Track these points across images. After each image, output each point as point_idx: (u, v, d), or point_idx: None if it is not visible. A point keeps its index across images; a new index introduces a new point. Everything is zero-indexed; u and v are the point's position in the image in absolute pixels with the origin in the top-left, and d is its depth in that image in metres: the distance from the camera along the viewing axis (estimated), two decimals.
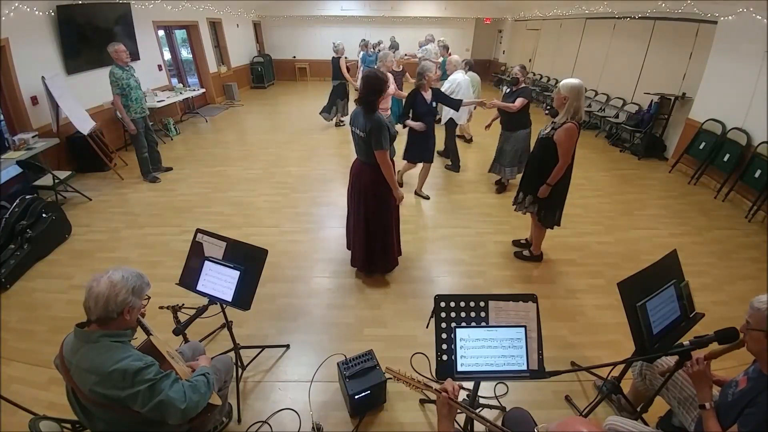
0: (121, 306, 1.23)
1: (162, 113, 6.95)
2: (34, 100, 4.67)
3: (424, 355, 2.40)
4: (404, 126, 4.17)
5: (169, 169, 5.25)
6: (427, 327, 1.57)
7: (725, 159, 4.68)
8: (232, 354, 2.11)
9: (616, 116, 7.05)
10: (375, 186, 2.73)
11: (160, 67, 7.51)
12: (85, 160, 5.10)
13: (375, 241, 2.92)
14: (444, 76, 6.25)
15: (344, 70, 7.32)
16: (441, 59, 7.12)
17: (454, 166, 5.39)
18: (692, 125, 5.31)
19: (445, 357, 1.44)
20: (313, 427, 1.95)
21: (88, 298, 1.22)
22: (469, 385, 1.74)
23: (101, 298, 1.21)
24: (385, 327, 2.66)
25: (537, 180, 2.90)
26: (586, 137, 7.10)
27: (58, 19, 4.91)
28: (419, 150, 4.23)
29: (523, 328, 1.45)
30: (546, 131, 2.81)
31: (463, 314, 1.48)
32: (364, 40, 8.96)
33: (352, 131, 2.70)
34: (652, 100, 6.01)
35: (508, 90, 4.29)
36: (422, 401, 2.12)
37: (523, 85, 4.20)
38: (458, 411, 1.26)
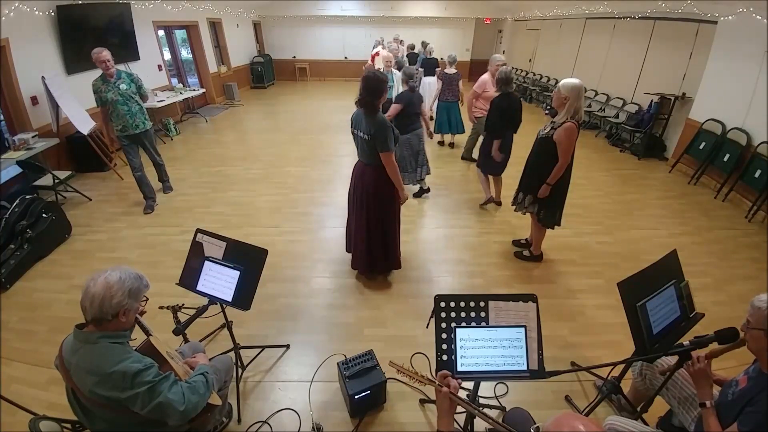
0: (116, 308, 1.22)
1: (162, 113, 6.95)
2: (34, 100, 4.67)
3: (424, 355, 2.40)
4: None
5: (152, 201, 4.29)
6: (427, 327, 1.57)
7: (725, 159, 4.68)
8: (232, 354, 2.11)
9: (616, 116, 7.05)
10: (378, 188, 2.72)
11: (160, 67, 7.51)
12: (85, 160, 5.11)
13: (377, 243, 2.91)
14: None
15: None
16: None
17: None
18: (692, 125, 5.31)
19: (445, 357, 1.44)
20: (313, 427, 1.95)
21: (84, 298, 1.22)
22: (469, 385, 1.74)
23: (96, 299, 1.20)
24: (385, 327, 2.66)
25: (536, 180, 2.90)
26: (586, 137, 7.11)
27: (58, 19, 4.91)
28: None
29: (523, 328, 1.45)
30: (545, 131, 2.81)
31: (463, 314, 1.48)
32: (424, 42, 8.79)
33: (354, 134, 2.69)
34: (652, 100, 6.01)
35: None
36: (422, 401, 2.12)
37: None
38: (458, 410, 1.26)
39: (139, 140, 4.04)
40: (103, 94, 3.70)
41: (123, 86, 3.74)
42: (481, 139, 4.53)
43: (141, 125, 3.95)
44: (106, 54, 3.62)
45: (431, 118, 6.41)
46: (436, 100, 6.14)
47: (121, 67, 4.29)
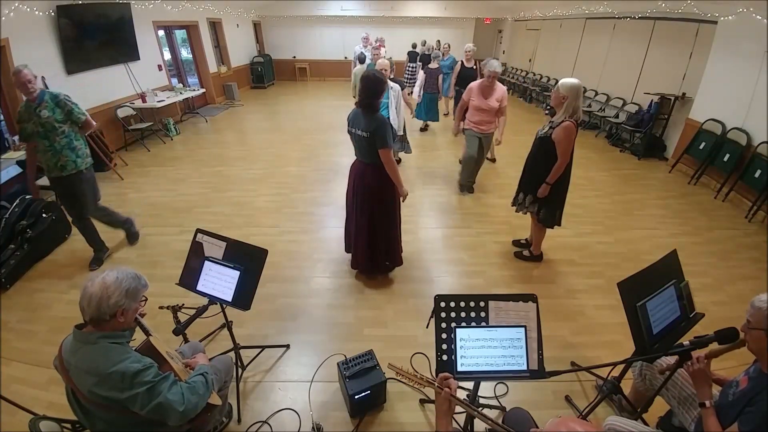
0: (113, 308, 1.22)
1: (162, 113, 6.95)
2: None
3: (424, 355, 2.40)
4: None
5: (102, 253, 3.33)
6: (427, 327, 1.57)
7: (725, 159, 4.68)
8: (232, 354, 2.11)
9: (616, 116, 7.05)
10: (380, 186, 2.73)
11: (160, 67, 7.51)
12: None
13: (380, 242, 2.92)
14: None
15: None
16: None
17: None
18: (692, 125, 5.31)
19: (445, 357, 1.44)
20: (313, 427, 1.95)
21: (82, 299, 1.22)
22: (469, 385, 1.74)
23: (94, 299, 1.20)
24: (385, 327, 2.66)
25: (536, 180, 2.90)
26: (586, 137, 7.11)
27: (58, 19, 4.91)
28: None
29: (523, 328, 1.45)
30: (544, 130, 2.81)
31: (463, 314, 1.48)
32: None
33: (351, 133, 2.69)
34: (652, 100, 6.01)
35: None
36: (422, 401, 2.12)
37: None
38: (458, 410, 1.26)
39: (68, 186, 2.99)
40: (25, 124, 2.78)
41: (44, 113, 2.75)
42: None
43: (70, 165, 2.89)
44: (27, 73, 2.66)
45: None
46: (422, 90, 6.67)
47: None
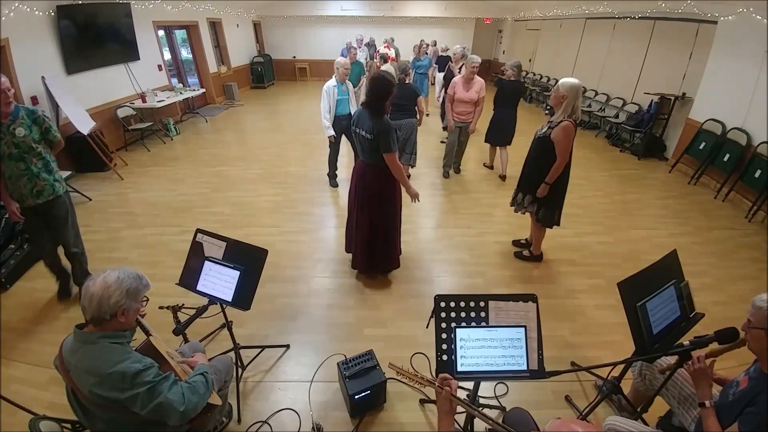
0: (113, 308, 1.22)
1: (162, 113, 6.95)
2: (34, 100, 4.67)
3: (424, 355, 2.40)
4: None
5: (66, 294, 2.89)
6: (427, 327, 1.57)
7: (725, 159, 4.68)
8: (232, 354, 2.11)
9: (616, 116, 7.05)
10: (380, 187, 2.73)
11: (160, 67, 7.51)
12: (85, 160, 5.10)
13: (378, 242, 2.92)
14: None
15: None
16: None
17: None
18: (692, 125, 5.31)
19: (445, 357, 1.44)
20: (313, 427, 1.95)
21: (83, 298, 1.22)
22: (469, 385, 1.74)
23: (94, 299, 1.20)
24: (385, 327, 2.66)
25: (535, 180, 2.90)
26: (586, 137, 7.11)
27: (58, 19, 4.91)
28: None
29: (523, 328, 1.45)
30: (543, 131, 2.82)
31: (463, 314, 1.48)
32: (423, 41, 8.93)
33: (355, 132, 2.69)
34: (652, 100, 6.01)
35: None
36: (422, 401, 2.12)
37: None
38: (458, 410, 1.26)
39: (45, 214, 2.60)
40: None
41: (20, 131, 2.34)
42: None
43: (48, 190, 2.52)
44: (5, 82, 2.25)
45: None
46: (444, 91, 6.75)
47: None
